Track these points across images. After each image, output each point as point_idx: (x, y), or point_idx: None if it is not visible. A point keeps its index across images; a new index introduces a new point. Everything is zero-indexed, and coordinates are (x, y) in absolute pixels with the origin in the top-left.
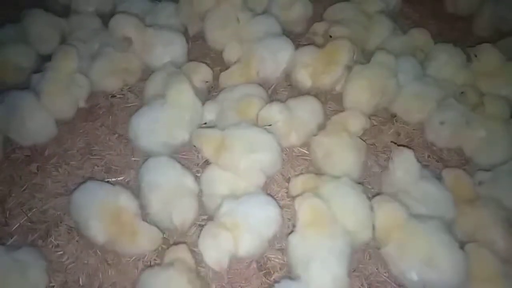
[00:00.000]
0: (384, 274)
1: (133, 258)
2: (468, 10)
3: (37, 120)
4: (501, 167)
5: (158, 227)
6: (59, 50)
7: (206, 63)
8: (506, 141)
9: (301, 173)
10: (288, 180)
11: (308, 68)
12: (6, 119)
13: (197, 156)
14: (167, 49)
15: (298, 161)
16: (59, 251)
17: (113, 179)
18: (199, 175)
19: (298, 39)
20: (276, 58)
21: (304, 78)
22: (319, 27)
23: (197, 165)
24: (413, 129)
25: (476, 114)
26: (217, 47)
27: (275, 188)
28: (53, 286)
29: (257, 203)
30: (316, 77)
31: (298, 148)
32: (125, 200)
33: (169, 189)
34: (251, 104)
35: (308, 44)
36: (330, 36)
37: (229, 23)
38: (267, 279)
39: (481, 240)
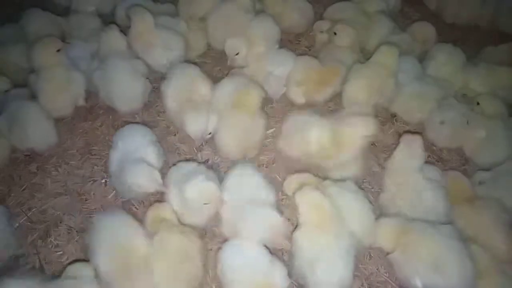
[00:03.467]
0: (385, 274)
1: None
2: (468, 21)
3: (38, 129)
4: (501, 167)
5: None
6: (38, 43)
7: (207, 62)
8: (506, 140)
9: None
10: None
11: (301, 87)
12: (8, 126)
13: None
14: (165, 51)
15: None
16: (59, 251)
17: None
18: None
19: (298, 38)
20: (278, 80)
21: (297, 96)
22: (323, 24)
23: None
24: (413, 129)
25: (476, 114)
26: (217, 46)
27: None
28: None
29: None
30: (309, 95)
31: None
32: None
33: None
34: (248, 94)
35: (304, 54)
36: (335, 33)
37: (231, 22)
38: None
39: (482, 244)
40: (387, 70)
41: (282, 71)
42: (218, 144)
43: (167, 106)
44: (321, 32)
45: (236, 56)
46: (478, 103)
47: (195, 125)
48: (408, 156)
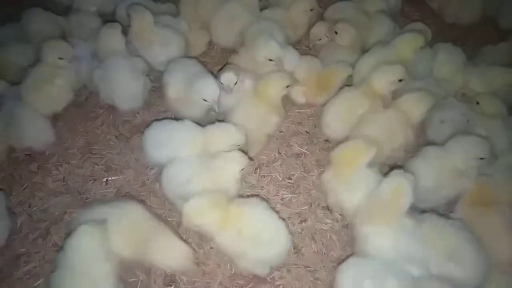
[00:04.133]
0: None
1: None
2: (469, 21)
3: (34, 127)
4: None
5: None
6: (47, 44)
7: (207, 62)
8: (505, 140)
9: (301, 173)
10: (288, 178)
11: (302, 87)
12: (5, 126)
13: None
14: (164, 48)
15: (297, 159)
16: (59, 250)
17: (113, 178)
18: None
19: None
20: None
21: (298, 96)
22: (320, 31)
23: None
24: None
25: (476, 113)
26: (221, 43)
27: (273, 188)
28: None
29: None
30: (310, 96)
31: (297, 147)
32: None
33: None
34: (271, 83)
35: (305, 53)
36: (336, 32)
37: (235, 20)
38: (267, 276)
39: (488, 246)
40: (403, 58)
41: (287, 67)
42: None
43: (169, 95)
44: (319, 40)
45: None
46: (477, 103)
47: (208, 88)
48: None
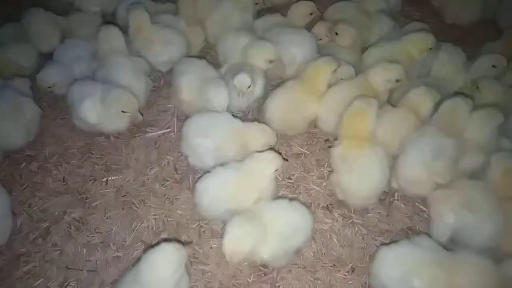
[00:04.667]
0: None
1: (133, 255)
2: (468, 22)
3: (7, 127)
4: None
5: None
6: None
7: (207, 60)
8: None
9: (301, 173)
10: (288, 178)
11: None
12: None
13: None
14: (166, 48)
15: (297, 159)
16: (59, 249)
17: (113, 178)
18: None
19: None
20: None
21: None
22: (321, 30)
23: None
24: None
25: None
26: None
27: (273, 188)
28: (53, 284)
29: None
30: None
31: (297, 147)
32: None
33: None
34: (319, 68)
35: None
36: (336, 33)
37: (230, 20)
38: (267, 276)
39: None
40: (409, 57)
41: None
42: (264, 111)
43: (182, 97)
44: (320, 40)
45: (248, 89)
46: (477, 87)
47: (219, 99)
48: None
